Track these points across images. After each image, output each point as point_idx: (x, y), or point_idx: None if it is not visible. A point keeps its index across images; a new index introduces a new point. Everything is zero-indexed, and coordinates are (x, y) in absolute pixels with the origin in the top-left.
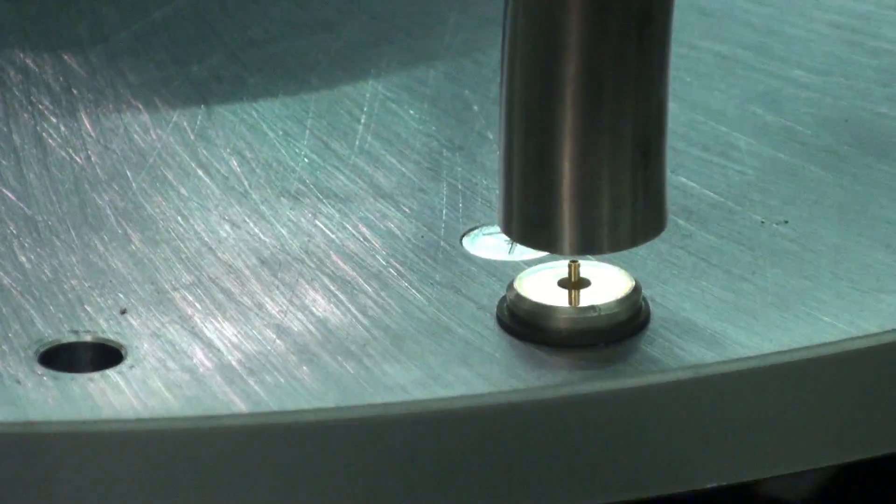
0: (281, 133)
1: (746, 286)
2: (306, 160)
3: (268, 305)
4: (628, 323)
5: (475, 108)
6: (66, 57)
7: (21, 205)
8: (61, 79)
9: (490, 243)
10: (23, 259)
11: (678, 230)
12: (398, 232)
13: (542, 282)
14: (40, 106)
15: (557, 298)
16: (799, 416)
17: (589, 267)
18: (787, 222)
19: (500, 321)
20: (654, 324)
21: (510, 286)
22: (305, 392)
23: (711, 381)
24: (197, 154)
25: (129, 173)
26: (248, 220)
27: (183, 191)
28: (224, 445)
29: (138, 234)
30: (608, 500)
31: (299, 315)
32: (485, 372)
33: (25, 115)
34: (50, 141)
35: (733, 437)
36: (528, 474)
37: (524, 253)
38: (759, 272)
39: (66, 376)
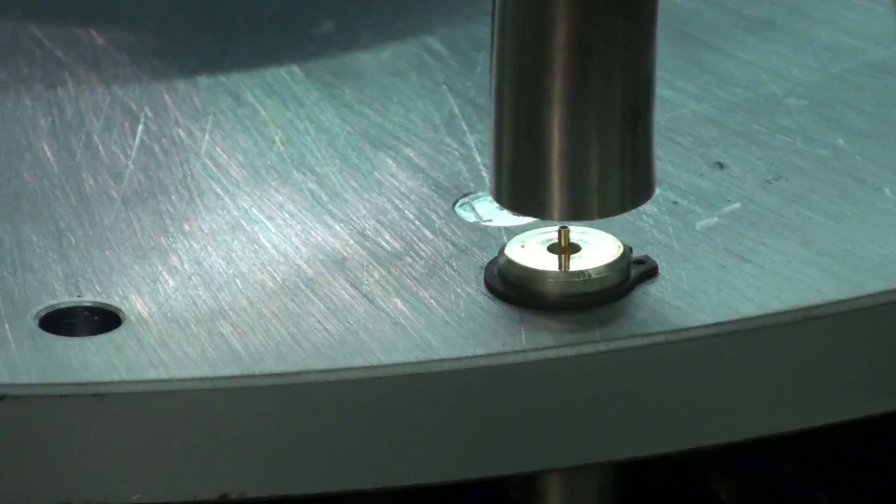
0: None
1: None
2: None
3: (257, 268)
4: (618, 287)
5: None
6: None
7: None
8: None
9: (482, 210)
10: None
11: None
12: (392, 197)
13: (531, 248)
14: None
15: (547, 263)
16: (778, 378)
17: (579, 233)
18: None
19: (490, 286)
20: (643, 287)
21: (501, 251)
22: (301, 352)
23: (698, 343)
24: (192, 120)
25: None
26: (240, 185)
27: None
28: (223, 405)
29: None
30: (600, 460)
31: (295, 279)
32: (475, 335)
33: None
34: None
35: (718, 398)
36: (519, 435)
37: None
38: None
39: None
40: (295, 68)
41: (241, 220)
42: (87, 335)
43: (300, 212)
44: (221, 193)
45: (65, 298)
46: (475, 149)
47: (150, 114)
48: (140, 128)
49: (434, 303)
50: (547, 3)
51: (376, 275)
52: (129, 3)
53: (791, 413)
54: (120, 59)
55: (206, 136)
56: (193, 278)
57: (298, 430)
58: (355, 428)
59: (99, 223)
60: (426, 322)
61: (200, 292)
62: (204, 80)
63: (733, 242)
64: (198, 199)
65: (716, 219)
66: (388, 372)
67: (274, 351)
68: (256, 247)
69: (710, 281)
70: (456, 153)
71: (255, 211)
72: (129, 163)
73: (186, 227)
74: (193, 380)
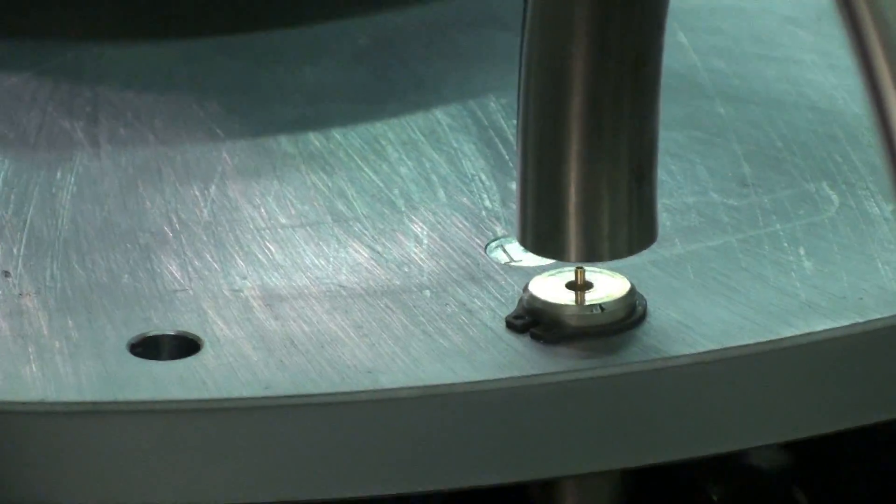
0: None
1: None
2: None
3: (316, 301)
4: (626, 319)
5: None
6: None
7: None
8: None
9: (511, 253)
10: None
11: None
12: (431, 241)
13: (552, 285)
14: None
15: (566, 298)
16: (764, 396)
17: (592, 273)
18: None
19: (516, 318)
20: (648, 320)
21: (525, 288)
22: (351, 374)
23: (693, 367)
24: (268, 169)
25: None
26: (304, 230)
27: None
28: (283, 421)
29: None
30: (612, 467)
31: (349, 311)
32: (502, 360)
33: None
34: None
35: (715, 413)
36: (541, 447)
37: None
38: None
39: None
40: (351, 133)
41: (305, 261)
42: (171, 359)
43: (354, 253)
44: (287, 237)
45: (152, 327)
46: (510, 200)
47: (228, 166)
48: (216, 180)
49: (475, 332)
50: (565, 73)
51: (421, 306)
52: (214, 74)
53: (776, 428)
54: (205, 124)
55: (275, 185)
56: (261, 311)
57: (351, 441)
58: (402, 439)
59: (181, 262)
60: (464, 348)
61: (268, 323)
62: (268, 143)
63: (724, 279)
64: (268, 243)
65: (705, 255)
66: (437, 391)
67: (328, 374)
68: (316, 285)
69: (703, 314)
70: (488, 203)
71: (314, 253)
72: (206, 211)
73: (256, 265)
74: (259, 398)
